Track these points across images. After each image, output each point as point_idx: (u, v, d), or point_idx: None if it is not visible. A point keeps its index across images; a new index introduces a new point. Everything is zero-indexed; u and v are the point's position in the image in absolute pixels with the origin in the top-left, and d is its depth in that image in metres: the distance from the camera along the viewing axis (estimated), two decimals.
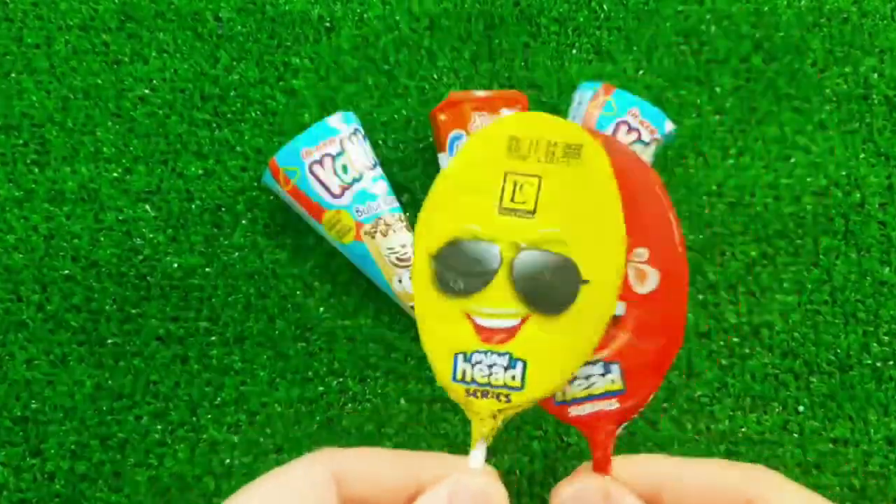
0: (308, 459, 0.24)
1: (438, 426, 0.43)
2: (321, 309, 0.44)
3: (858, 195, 0.45)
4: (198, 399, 0.43)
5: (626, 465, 0.25)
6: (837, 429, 0.43)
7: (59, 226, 0.44)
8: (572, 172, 0.24)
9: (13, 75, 0.46)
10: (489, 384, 0.24)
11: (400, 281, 0.41)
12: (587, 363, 0.24)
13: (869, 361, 0.43)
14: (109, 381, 0.43)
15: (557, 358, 0.24)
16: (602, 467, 0.24)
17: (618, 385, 0.24)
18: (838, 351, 0.43)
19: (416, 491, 0.24)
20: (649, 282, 0.24)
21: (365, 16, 0.47)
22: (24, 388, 0.43)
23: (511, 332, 0.24)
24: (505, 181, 0.24)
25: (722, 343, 0.44)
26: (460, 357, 0.25)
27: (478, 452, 0.25)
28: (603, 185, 0.24)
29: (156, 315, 0.43)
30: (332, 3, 0.47)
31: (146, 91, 0.46)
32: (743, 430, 0.43)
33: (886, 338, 0.43)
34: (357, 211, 0.41)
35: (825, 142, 0.46)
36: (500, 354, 0.24)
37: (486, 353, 0.24)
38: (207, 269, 0.44)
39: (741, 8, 0.47)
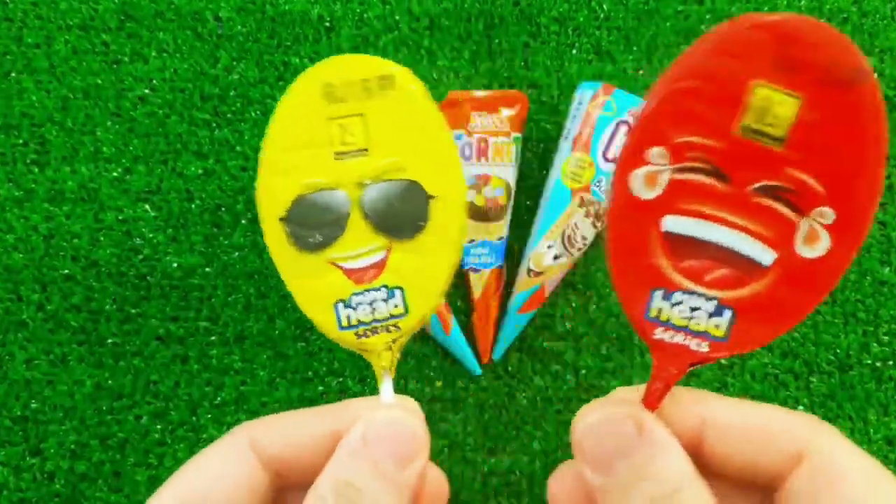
0: (226, 436, 0.25)
1: (438, 426, 0.43)
2: None
3: None
4: (198, 399, 0.43)
5: (669, 398, 0.23)
6: (837, 428, 0.43)
7: (59, 225, 0.44)
8: (391, 101, 0.24)
9: (13, 75, 0.46)
10: (375, 320, 0.25)
11: None
12: (700, 295, 0.22)
13: (869, 361, 0.43)
14: (109, 381, 0.43)
15: (429, 276, 0.25)
16: (653, 401, 0.22)
17: (721, 332, 0.22)
18: (838, 351, 0.43)
19: (333, 441, 0.24)
20: (819, 247, 0.21)
21: (365, 16, 0.47)
22: (23, 387, 0.43)
23: (380, 266, 0.25)
24: (331, 127, 0.24)
25: None
26: (340, 305, 0.25)
27: (386, 386, 0.25)
28: (422, 106, 0.25)
29: (156, 315, 0.43)
30: (332, 3, 0.47)
31: (146, 91, 0.46)
32: None
33: (886, 338, 0.44)
34: None
35: None
36: (376, 290, 0.25)
37: (363, 292, 0.25)
38: (207, 269, 0.44)
39: (741, 8, 0.47)
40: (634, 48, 0.47)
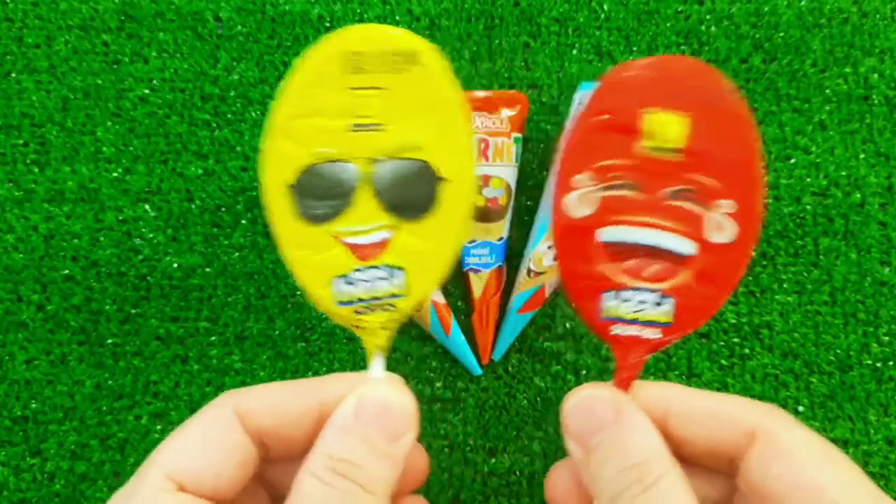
0: (211, 406, 0.25)
1: (438, 426, 0.43)
2: None
3: (858, 195, 0.45)
4: (198, 399, 0.43)
5: (638, 389, 0.25)
6: (837, 429, 0.43)
7: (59, 226, 0.44)
8: (414, 79, 0.24)
9: (13, 75, 0.46)
10: (374, 298, 0.25)
11: None
12: (643, 290, 0.25)
13: (869, 362, 0.43)
14: (109, 381, 0.43)
15: (432, 259, 0.24)
16: (623, 386, 0.25)
17: (667, 318, 0.25)
18: (838, 351, 0.43)
19: (320, 414, 0.24)
20: (725, 234, 0.25)
21: (365, 16, 0.47)
22: (23, 387, 0.43)
23: (384, 245, 0.25)
24: (351, 98, 0.24)
25: (722, 343, 0.44)
26: (340, 280, 0.25)
27: (377, 364, 0.25)
28: (445, 87, 0.24)
29: (156, 315, 0.43)
30: (332, 3, 0.47)
31: (146, 91, 0.46)
32: None
33: (886, 338, 0.43)
34: None
35: (825, 142, 0.46)
36: (378, 268, 0.25)
37: (364, 269, 0.25)
38: (207, 269, 0.44)
39: (741, 8, 0.47)
40: (635, 48, 0.47)
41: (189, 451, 0.24)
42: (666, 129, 0.24)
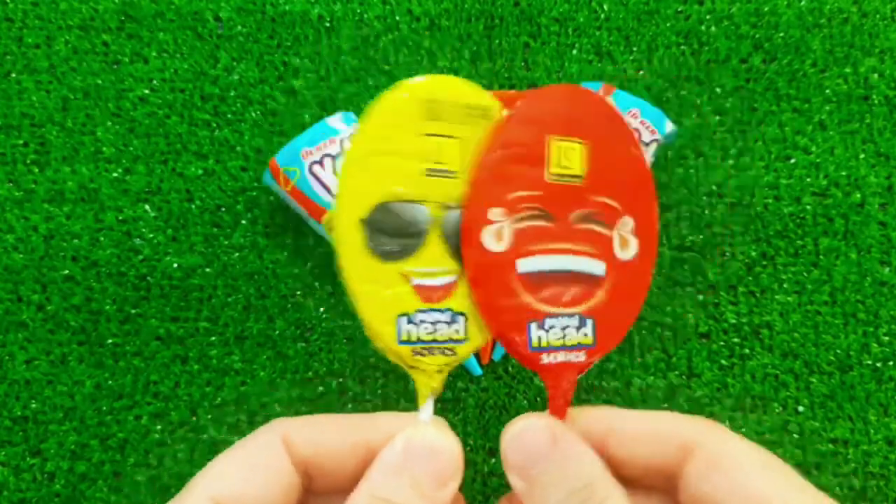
0: (260, 431, 0.25)
1: None
2: (321, 309, 0.44)
3: (858, 195, 0.45)
4: (198, 399, 0.43)
5: (577, 415, 0.26)
6: (837, 429, 0.43)
7: (59, 226, 0.44)
8: (484, 132, 0.25)
9: (13, 75, 0.46)
10: (434, 341, 0.25)
11: None
12: (564, 315, 0.25)
13: (869, 362, 0.43)
14: (109, 381, 0.43)
15: None
16: (560, 413, 0.25)
17: (589, 339, 0.26)
18: (838, 351, 0.43)
19: (366, 451, 0.24)
20: (630, 250, 0.26)
21: (365, 16, 0.47)
22: (23, 387, 0.43)
23: (448, 289, 0.25)
24: (427, 143, 0.24)
25: (722, 343, 0.44)
26: (403, 319, 0.25)
27: (426, 407, 0.25)
28: None
29: (156, 315, 0.43)
30: (332, 3, 0.47)
31: (146, 91, 0.46)
32: (743, 430, 0.43)
33: (886, 338, 0.43)
34: None
35: (825, 142, 0.46)
36: (441, 311, 0.25)
37: (428, 311, 0.25)
38: (207, 269, 0.44)
39: (741, 8, 0.47)
40: (635, 49, 0.47)
41: (235, 475, 0.24)
42: (568, 155, 0.25)
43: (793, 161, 0.46)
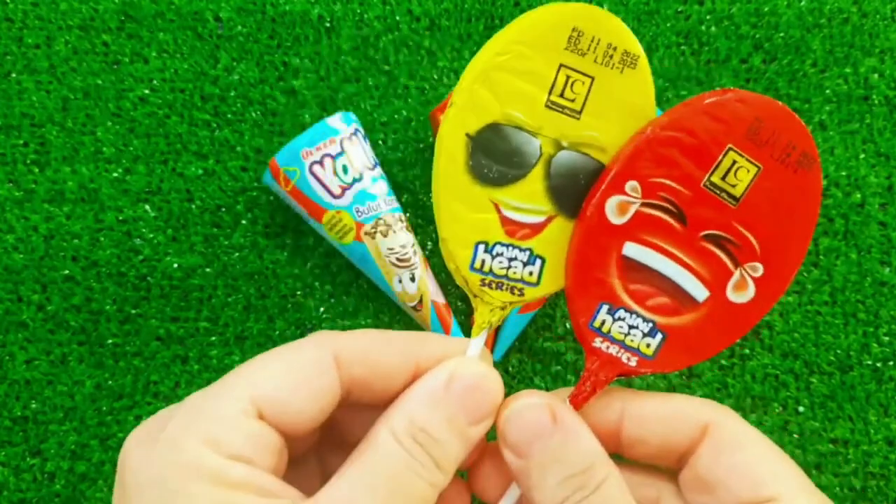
0: (310, 341, 0.24)
1: None
2: (321, 309, 0.44)
3: (859, 195, 0.45)
4: None
5: (598, 398, 0.25)
6: (837, 429, 0.43)
7: (59, 226, 0.44)
8: (623, 81, 0.23)
9: (13, 75, 0.46)
10: (506, 276, 0.24)
11: (400, 281, 0.41)
12: (640, 316, 0.24)
13: (869, 362, 0.43)
14: (109, 382, 0.43)
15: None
16: (580, 401, 0.25)
17: (650, 351, 0.24)
18: (838, 351, 0.43)
19: (415, 372, 0.24)
20: (745, 294, 0.24)
21: (365, 16, 0.47)
22: (24, 388, 0.43)
23: (536, 229, 0.24)
24: (558, 74, 0.23)
25: None
26: (481, 247, 0.24)
27: (478, 340, 0.25)
28: (648, 101, 0.24)
29: (156, 315, 0.43)
30: (332, 3, 0.47)
31: (146, 91, 0.46)
32: None
33: (886, 338, 0.43)
34: (357, 211, 0.41)
35: (825, 142, 0.46)
36: (521, 249, 0.24)
37: (508, 245, 0.24)
38: (207, 270, 0.44)
39: (741, 8, 0.47)
40: None
41: (280, 381, 0.23)
42: (739, 173, 0.23)
43: None
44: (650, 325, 0.24)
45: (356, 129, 0.42)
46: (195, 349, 0.43)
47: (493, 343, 0.43)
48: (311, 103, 0.46)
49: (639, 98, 0.23)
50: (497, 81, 0.23)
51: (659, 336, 0.24)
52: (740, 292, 0.24)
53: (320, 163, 0.41)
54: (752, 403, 0.43)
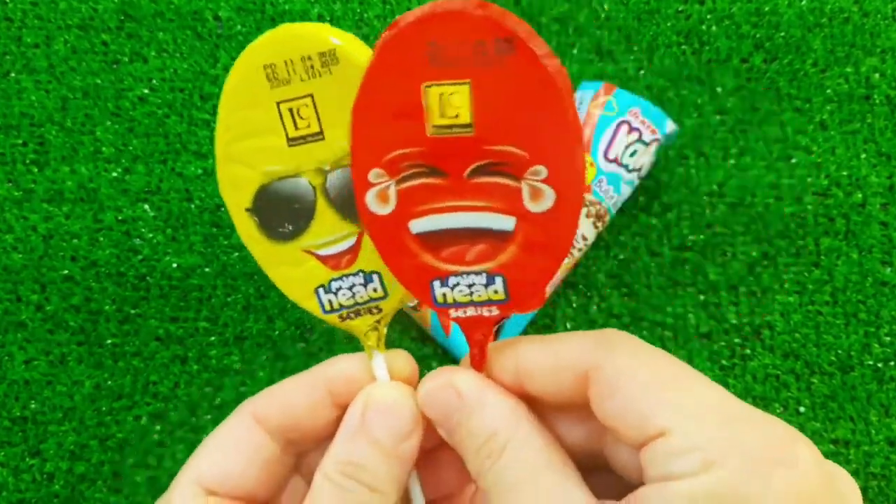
0: (230, 417, 0.26)
1: None
2: None
3: (860, 195, 0.45)
4: (197, 399, 0.43)
5: (494, 353, 0.25)
6: (839, 430, 0.42)
7: (59, 226, 0.44)
8: (335, 81, 0.22)
9: (12, 75, 0.46)
10: (356, 303, 0.25)
11: None
12: (470, 273, 0.24)
13: (870, 362, 0.43)
14: (108, 382, 0.43)
15: None
16: (477, 364, 0.25)
17: (500, 295, 0.24)
18: (839, 351, 0.43)
19: (334, 403, 0.25)
20: (544, 201, 0.23)
21: (365, 16, 0.47)
22: (23, 388, 0.43)
23: (353, 251, 0.24)
24: (280, 112, 0.23)
25: (723, 344, 0.43)
26: (321, 290, 0.25)
27: (378, 364, 0.25)
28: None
29: (155, 315, 0.43)
30: (332, 2, 0.47)
31: (145, 91, 0.46)
32: None
33: (888, 338, 0.43)
34: None
35: (826, 142, 0.46)
36: (354, 275, 0.25)
37: (341, 278, 0.25)
38: (207, 269, 0.44)
39: (742, 8, 0.47)
40: (635, 48, 0.47)
41: (213, 457, 0.25)
42: (451, 102, 0.22)
43: (794, 161, 0.46)
44: (483, 275, 0.24)
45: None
46: (194, 349, 0.43)
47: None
48: None
49: (357, 86, 0.22)
50: (238, 152, 0.23)
51: (498, 279, 0.24)
52: (540, 200, 0.23)
53: None
54: (753, 404, 0.43)
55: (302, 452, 0.27)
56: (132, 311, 0.43)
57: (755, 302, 0.44)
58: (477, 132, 0.22)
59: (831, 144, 0.46)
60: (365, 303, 0.25)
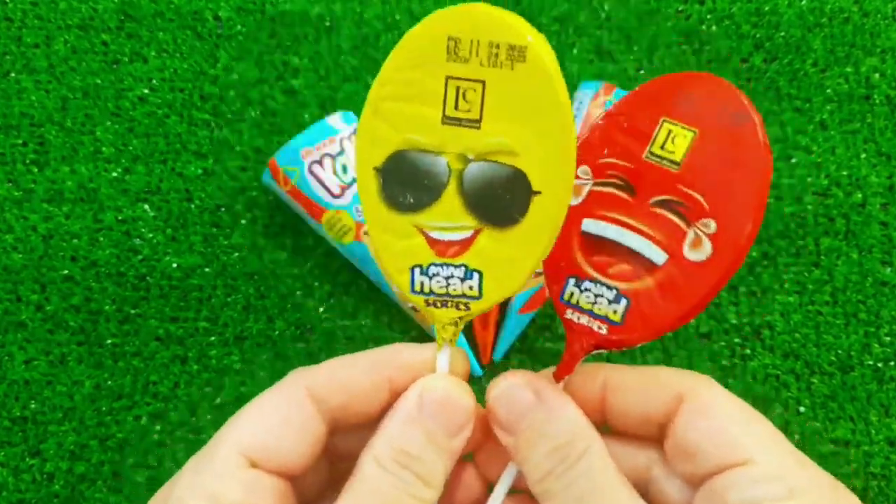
0: (283, 383, 0.25)
1: None
2: (321, 309, 0.44)
3: (860, 195, 0.45)
4: (197, 399, 0.43)
5: (582, 369, 0.27)
6: (839, 430, 0.42)
7: (58, 226, 0.44)
8: (517, 77, 0.22)
9: (12, 75, 0.46)
10: (447, 294, 0.25)
11: None
12: (603, 284, 0.25)
13: (870, 362, 0.43)
14: (108, 382, 0.43)
15: (512, 268, 0.24)
16: (561, 373, 0.26)
17: (617, 317, 0.25)
18: (839, 351, 0.43)
19: (390, 387, 0.25)
20: (701, 252, 0.24)
21: (365, 16, 0.47)
22: (23, 388, 0.43)
23: (465, 245, 0.24)
24: (447, 87, 0.23)
25: (723, 344, 0.44)
26: (417, 270, 0.24)
27: (443, 356, 0.25)
28: (551, 90, 0.22)
29: (155, 315, 0.43)
30: (331, 2, 0.47)
31: (145, 91, 0.46)
32: None
33: (888, 338, 0.43)
34: (357, 211, 0.41)
35: (826, 142, 0.46)
36: (455, 266, 0.24)
37: (441, 265, 0.24)
38: (207, 270, 0.44)
39: (742, 8, 0.47)
40: (635, 48, 0.47)
41: (264, 429, 0.24)
42: (676, 140, 0.24)
43: (794, 161, 0.46)
44: (614, 292, 0.25)
45: (356, 129, 0.42)
46: (194, 349, 0.43)
47: (493, 343, 0.43)
48: (310, 103, 0.46)
49: (537, 90, 0.22)
50: (389, 111, 0.23)
51: (623, 301, 0.25)
52: (697, 250, 0.24)
53: (320, 162, 0.41)
54: (753, 404, 0.43)
55: (334, 431, 0.26)
56: (132, 311, 0.43)
57: (755, 302, 0.44)
58: (681, 171, 0.25)
59: (831, 144, 0.46)
60: (457, 297, 0.25)
